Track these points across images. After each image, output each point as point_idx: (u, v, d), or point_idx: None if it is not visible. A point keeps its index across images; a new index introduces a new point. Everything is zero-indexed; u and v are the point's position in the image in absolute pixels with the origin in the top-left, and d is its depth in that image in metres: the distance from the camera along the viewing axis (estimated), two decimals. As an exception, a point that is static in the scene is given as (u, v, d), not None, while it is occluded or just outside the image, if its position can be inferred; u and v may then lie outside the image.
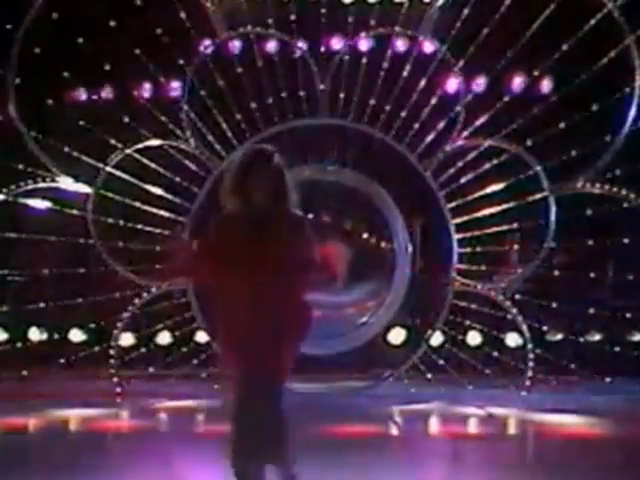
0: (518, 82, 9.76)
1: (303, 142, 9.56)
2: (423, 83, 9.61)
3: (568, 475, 6.19)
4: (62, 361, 9.63)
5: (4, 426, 7.79)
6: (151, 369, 9.68)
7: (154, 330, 9.89)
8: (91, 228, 9.56)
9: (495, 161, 9.54)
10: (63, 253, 10.23)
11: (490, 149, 9.59)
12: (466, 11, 9.42)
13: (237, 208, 4.26)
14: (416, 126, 9.60)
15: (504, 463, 6.65)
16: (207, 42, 9.76)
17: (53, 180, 9.68)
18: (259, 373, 4.20)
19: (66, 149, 9.64)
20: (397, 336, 9.87)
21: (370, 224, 10.92)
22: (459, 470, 6.45)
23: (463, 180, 9.53)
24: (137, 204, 9.64)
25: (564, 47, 9.28)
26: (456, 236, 9.51)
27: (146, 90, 9.92)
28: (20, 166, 9.60)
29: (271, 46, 9.83)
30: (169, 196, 9.67)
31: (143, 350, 9.83)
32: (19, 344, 10.08)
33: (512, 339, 9.72)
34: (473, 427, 8.34)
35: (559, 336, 9.99)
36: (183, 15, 9.53)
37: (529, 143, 9.48)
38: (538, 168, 9.36)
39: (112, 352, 9.35)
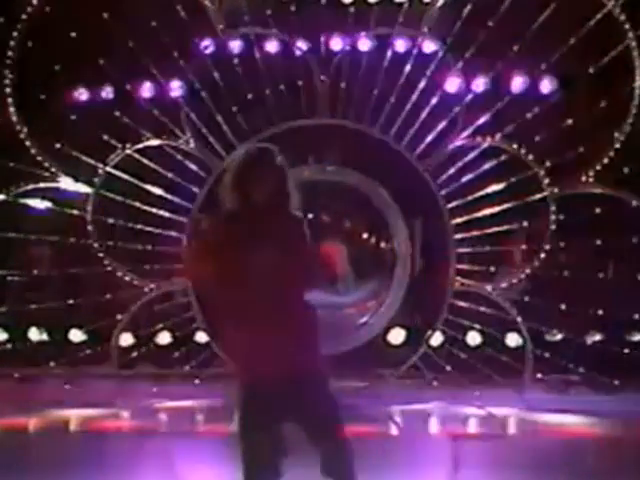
0: (518, 82, 9.75)
1: (303, 142, 9.55)
2: (423, 83, 9.62)
3: (568, 475, 6.19)
4: (62, 361, 9.62)
5: (4, 426, 7.79)
6: (151, 369, 9.68)
7: (154, 330, 9.88)
8: (91, 228, 9.57)
9: (495, 161, 9.55)
10: (63, 253, 10.23)
11: (490, 149, 9.60)
12: (466, 11, 9.42)
13: (236, 207, 4.23)
14: (416, 126, 9.60)
15: (504, 463, 6.65)
16: (207, 42, 9.75)
17: (53, 180, 9.68)
18: (273, 376, 4.13)
19: (66, 149, 9.64)
20: (397, 336, 9.87)
21: (370, 224, 10.91)
22: (459, 470, 6.44)
23: (463, 181, 9.54)
24: (137, 204, 9.64)
25: (564, 47, 9.28)
26: (456, 236, 9.52)
27: (146, 90, 9.91)
28: (20, 166, 9.60)
29: (271, 46, 9.82)
30: (169, 196, 9.67)
31: (143, 350, 9.83)
32: (19, 344, 10.08)
33: (512, 339, 9.72)
34: (473, 427, 8.34)
35: (559, 336, 9.99)
36: (183, 15, 9.53)
37: (529, 143, 9.49)
38: (538, 169, 9.38)
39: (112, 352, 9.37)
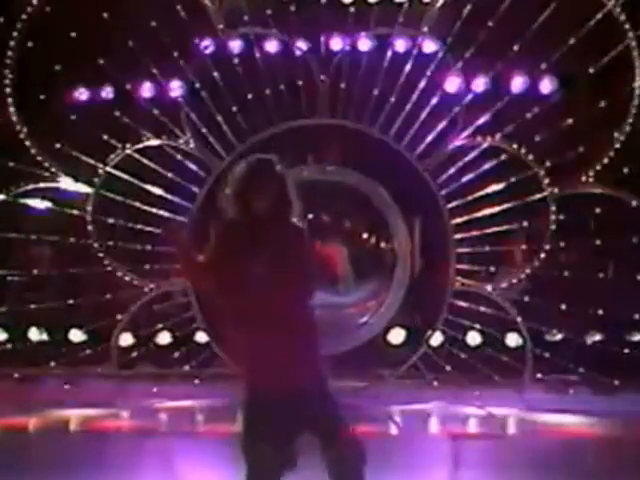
0: (518, 82, 9.75)
1: (303, 142, 9.55)
2: (423, 83, 9.62)
3: (568, 475, 6.19)
4: (62, 361, 9.62)
5: (4, 426, 7.79)
6: (151, 369, 9.67)
7: (154, 330, 9.88)
8: (91, 228, 9.57)
9: (495, 161, 9.55)
10: (63, 253, 10.23)
11: (490, 149, 9.60)
12: (466, 11, 9.42)
13: (238, 216, 4.25)
14: (416, 126, 9.60)
15: (504, 463, 6.65)
16: (207, 42, 9.75)
17: (53, 180, 9.68)
18: (278, 386, 4.14)
19: (66, 149, 9.65)
20: (397, 336, 9.86)
21: (370, 224, 10.91)
22: (459, 470, 6.44)
23: (463, 181, 9.54)
24: (137, 204, 9.64)
25: (564, 47, 9.28)
26: (456, 236, 9.52)
27: (146, 90, 9.91)
28: (20, 166, 9.60)
29: (271, 46, 9.82)
30: (169, 196, 9.67)
31: (143, 350, 9.83)
32: (19, 344, 10.08)
33: (512, 339, 9.72)
34: (473, 427, 8.34)
35: (559, 336, 9.98)
36: (183, 15, 9.53)
37: (529, 143, 9.49)
38: (538, 169, 9.38)
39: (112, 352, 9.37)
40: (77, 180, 9.70)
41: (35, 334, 10.31)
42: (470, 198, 9.55)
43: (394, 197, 9.72)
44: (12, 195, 9.65)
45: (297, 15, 9.76)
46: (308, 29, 9.84)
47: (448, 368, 9.46)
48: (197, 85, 9.73)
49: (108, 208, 9.71)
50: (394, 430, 8.17)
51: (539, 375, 9.42)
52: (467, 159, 9.58)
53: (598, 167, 9.49)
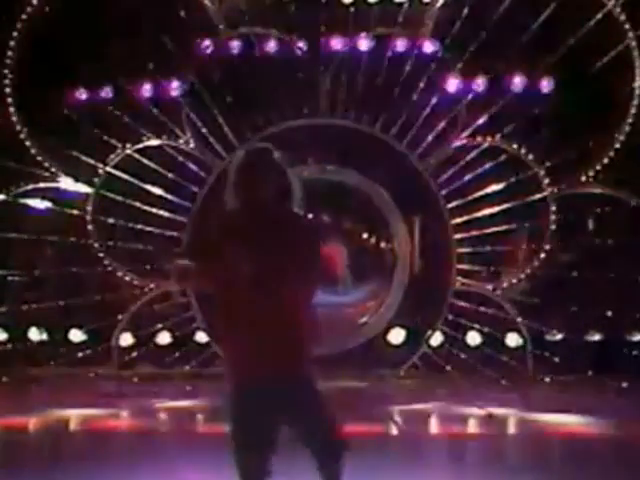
0: (518, 82, 9.75)
1: (303, 142, 9.56)
2: (423, 83, 9.63)
3: (568, 475, 6.19)
4: (62, 361, 9.63)
5: (4, 426, 7.79)
6: (151, 369, 9.68)
7: (154, 330, 9.89)
8: (91, 228, 9.58)
9: (495, 161, 9.56)
10: (63, 253, 10.23)
11: (490, 149, 9.60)
12: (466, 11, 9.43)
13: (239, 207, 4.26)
14: (416, 126, 9.61)
15: (504, 463, 6.65)
16: (207, 42, 9.76)
17: (53, 180, 9.68)
18: (268, 378, 4.14)
19: (66, 149, 9.65)
20: (397, 336, 9.87)
21: (370, 224, 10.91)
22: (459, 470, 6.44)
23: (463, 180, 9.54)
24: (137, 204, 9.65)
25: (564, 47, 9.28)
26: (456, 236, 9.53)
27: (146, 90, 9.92)
28: (20, 166, 9.60)
29: (271, 46, 9.83)
30: (169, 196, 9.68)
31: (143, 350, 9.83)
32: (19, 344, 10.08)
33: (512, 339, 9.72)
34: (473, 427, 8.34)
35: (559, 336, 9.99)
36: (183, 14, 9.54)
37: (529, 143, 9.50)
38: (538, 169, 9.39)
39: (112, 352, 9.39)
40: (77, 180, 9.70)
41: (35, 334, 10.31)
42: (470, 198, 9.55)
43: (394, 197, 9.73)
44: (12, 195, 9.65)
45: (297, 15, 9.77)
46: (308, 29, 9.84)
47: (448, 368, 9.47)
48: (197, 85, 9.73)
49: (108, 208, 9.71)
50: (394, 430, 8.16)
51: (539, 375, 9.41)
52: (467, 159, 9.59)
53: (598, 167, 9.49)
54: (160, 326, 9.87)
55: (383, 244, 10.83)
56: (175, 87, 9.84)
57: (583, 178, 9.55)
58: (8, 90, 9.64)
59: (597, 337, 10.03)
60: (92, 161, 9.73)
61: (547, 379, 9.47)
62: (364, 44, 9.75)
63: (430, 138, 9.65)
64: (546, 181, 9.47)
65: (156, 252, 9.66)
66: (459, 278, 9.60)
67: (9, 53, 9.61)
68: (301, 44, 9.79)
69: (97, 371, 9.65)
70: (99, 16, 9.30)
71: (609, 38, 9.32)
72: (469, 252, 9.71)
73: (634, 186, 9.38)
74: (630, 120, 9.45)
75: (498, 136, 9.62)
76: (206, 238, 4.37)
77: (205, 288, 4.46)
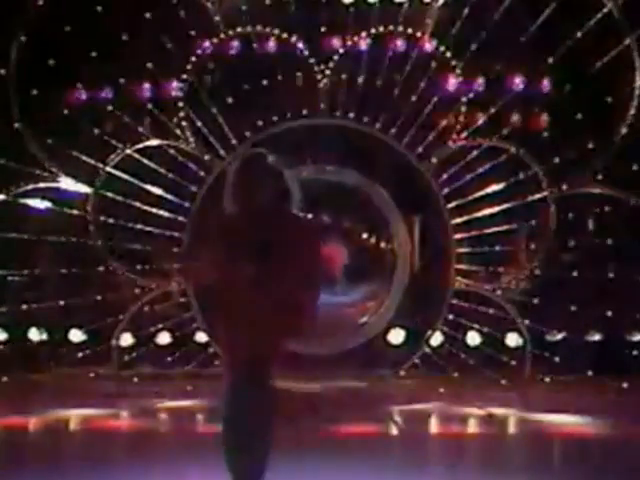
0: (518, 82, 9.75)
1: (302, 142, 9.56)
2: (423, 83, 9.63)
3: (568, 475, 6.19)
4: (62, 361, 9.62)
5: (4, 426, 7.79)
6: (151, 369, 9.68)
7: (154, 330, 9.88)
8: (91, 228, 9.58)
9: (495, 161, 9.56)
10: (63, 253, 10.23)
11: (490, 149, 9.60)
12: (466, 11, 9.43)
13: (238, 211, 4.28)
14: (416, 126, 9.61)
15: (504, 463, 6.65)
16: (207, 42, 9.76)
17: (53, 180, 9.68)
18: (244, 358, 4.21)
19: (66, 149, 9.65)
20: (397, 336, 9.87)
21: (370, 224, 10.91)
22: (459, 470, 6.44)
23: (463, 180, 9.54)
24: (137, 204, 9.65)
25: (564, 47, 9.28)
26: (456, 236, 9.53)
27: (146, 90, 9.92)
28: (20, 166, 9.60)
29: (271, 46, 9.82)
30: (169, 196, 9.68)
31: (143, 350, 9.82)
32: (19, 344, 10.08)
33: (512, 339, 9.72)
34: (473, 427, 8.34)
35: (559, 336, 9.99)
36: (183, 14, 9.53)
37: (529, 143, 9.50)
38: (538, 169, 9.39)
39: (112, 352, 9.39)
40: (77, 180, 9.70)
41: (35, 334, 10.31)
42: (470, 198, 9.55)
43: (394, 197, 9.73)
44: (12, 195, 9.65)
45: (297, 15, 9.77)
46: (308, 29, 9.84)
47: (448, 368, 9.47)
48: (197, 85, 9.73)
49: (108, 208, 9.71)
50: (394, 430, 8.16)
51: (539, 375, 9.41)
52: (467, 159, 9.59)
53: (598, 167, 9.49)
54: (160, 326, 9.88)
55: (383, 244, 10.83)
56: (175, 87, 9.83)
57: (583, 178, 9.54)
58: (8, 90, 9.63)
59: (597, 337, 10.04)
60: (92, 161, 9.72)
61: (547, 379, 9.47)
62: (364, 44, 9.75)
63: (430, 138, 9.65)
64: (546, 181, 9.47)
65: (156, 252, 9.67)
66: (459, 278, 9.59)
67: (9, 53, 9.60)
68: (301, 44, 9.78)
69: (97, 371, 9.64)
70: (99, 16, 9.30)
71: (609, 38, 9.31)
72: (469, 252, 9.71)
73: (634, 186, 9.37)
74: (630, 120, 9.44)
75: (498, 136, 9.62)
76: (207, 241, 4.39)
77: (206, 287, 4.49)
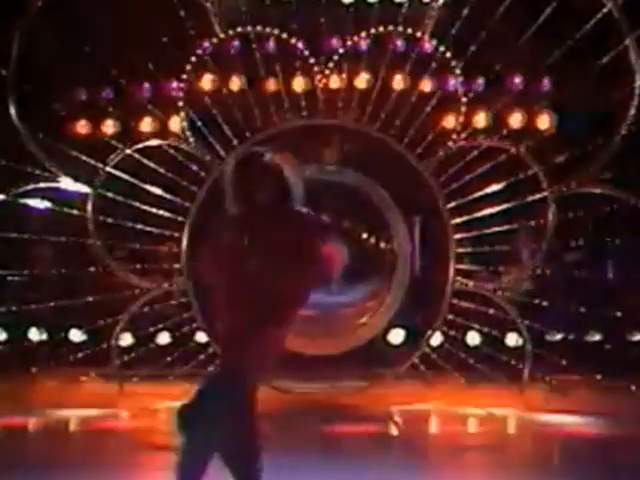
0: (518, 82, 9.75)
1: (303, 142, 9.55)
2: (423, 83, 9.63)
3: (568, 475, 6.19)
4: (62, 361, 9.62)
5: (4, 426, 7.79)
6: (151, 369, 9.67)
7: (154, 330, 9.88)
8: (91, 228, 9.58)
9: (495, 161, 9.55)
10: (63, 253, 10.23)
11: (490, 149, 9.60)
12: (466, 11, 9.43)
13: (240, 212, 4.29)
14: (416, 126, 9.61)
15: (504, 463, 6.65)
16: (206, 42, 9.76)
17: (53, 180, 9.68)
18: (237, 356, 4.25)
19: (66, 149, 9.65)
20: (397, 336, 9.87)
21: (370, 224, 10.92)
22: (458, 470, 6.45)
23: (463, 180, 9.54)
24: (137, 204, 9.65)
25: (564, 47, 9.28)
26: (456, 236, 9.53)
27: (146, 90, 9.92)
28: (20, 166, 9.60)
29: (271, 46, 9.82)
30: (169, 196, 9.68)
31: (143, 350, 9.82)
32: (19, 344, 10.08)
33: (512, 339, 9.72)
34: (473, 427, 8.34)
35: (559, 336, 9.99)
36: (183, 14, 9.53)
37: (529, 143, 9.51)
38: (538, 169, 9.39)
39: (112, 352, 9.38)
40: (77, 180, 9.70)
41: (35, 334, 10.31)
42: (470, 198, 9.55)
43: (394, 197, 9.72)
44: (12, 195, 9.65)
45: (297, 15, 9.76)
46: (308, 29, 9.84)
47: (448, 368, 9.47)
48: (197, 85, 9.73)
49: (108, 208, 9.71)
50: (394, 430, 8.17)
51: (539, 375, 9.41)
52: (467, 159, 9.59)
53: (598, 167, 9.48)
54: (160, 326, 9.87)
55: (383, 244, 10.84)
56: (175, 87, 9.83)
57: (583, 178, 9.54)
58: (8, 90, 9.63)
59: (597, 337, 10.04)
60: (92, 161, 9.72)
61: (547, 379, 9.47)
62: (364, 44, 9.75)
63: (430, 138, 9.65)
64: (546, 181, 9.46)
65: (156, 252, 9.67)
66: (459, 278, 9.59)
67: (9, 53, 9.59)
68: (301, 44, 9.78)
69: (97, 371, 9.64)
70: (99, 16, 9.30)
71: (609, 38, 9.31)
72: (469, 252, 9.71)
73: (634, 186, 9.37)
74: (630, 120, 9.43)
75: (498, 136, 9.63)
76: (210, 242, 4.41)
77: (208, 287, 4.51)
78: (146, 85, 9.91)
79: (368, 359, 9.76)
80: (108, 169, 9.66)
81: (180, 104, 9.73)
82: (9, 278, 10.40)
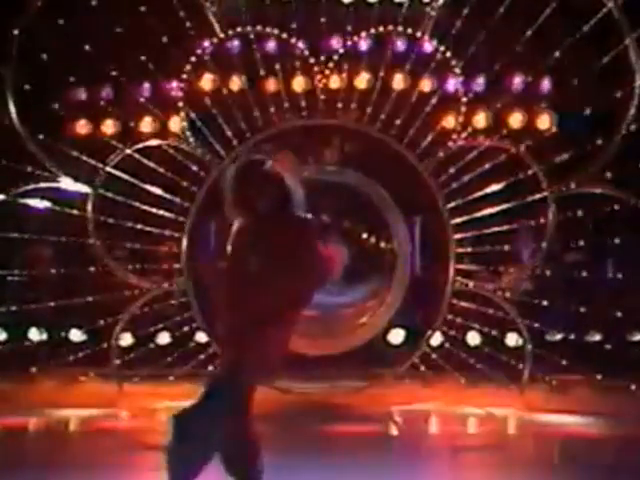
0: (518, 82, 9.75)
1: (303, 142, 9.56)
2: (423, 83, 9.63)
3: (568, 475, 6.19)
4: (62, 361, 9.62)
5: (4, 426, 7.79)
6: (151, 369, 9.67)
7: (154, 330, 9.88)
8: (91, 228, 9.58)
9: (495, 161, 9.55)
10: (63, 253, 10.23)
11: (490, 149, 9.60)
12: (466, 11, 9.43)
13: (243, 222, 4.30)
14: (416, 126, 9.61)
15: (504, 463, 6.65)
16: (206, 42, 9.76)
17: (53, 180, 9.68)
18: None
19: (66, 149, 9.65)
20: (397, 336, 9.87)
21: (370, 224, 10.91)
22: (459, 470, 6.45)
23: (463, 181, 9.54)
24: (137, 204, 9.65)
25: (564, 47, 9.28)
26: (456, 236, 9.53)
27: (146, 90, 9.92)
28: (20, 166, 9.60)
29: (271, 46, 9.82)
30: (169, 196, 9.68)
31: (143, 350, 9.82)
32: (19, 344, 10.08)
33: (512, 339, 9.72)
34: (473, 427, 8.34)
35: (559, 336, 9.99)
36: (182, 14, 9.53)
37: (529, 143, 9.51)
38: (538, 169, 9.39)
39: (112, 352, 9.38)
40: (77, 180, 9.70)
41: (35, 334, 10.31)
42: (470, 198, 9.55)
43: (394, 197, 9.72)
44: (12, 195, 9.65)
45: (297, 15, 9.76)
46: (308, 29, 9.84)
47: (448, 368, 9.47)
48: (197, 86, 9.74)
49: (108, 208, 9.71)
50: (394, 430, 8.17)
51: (539, 375, 9.41)
52: (467, 159, 9.58)
53: (598, 167, 9.48)
54: (160, 326, 9.87)
55: (383, 244, 10.83)
56: (175, 87, 9.83)
57: (583, 178, 9.54)
58: (8, 90, 9.63)
59: (597, 337, 10.03)
60: (92, 161, 9.72)
61: (547, 379, 9.47)
62: (364, 44, 9.75)
63: (430, 138, 9.65)
64: (546, 181, 9.46)
65: (156, 252, 9.67)
66: (459, 278, 9.59)
67: (9, 53, 9.59)
68: (301, 44, 9.78)
69: (97, 371, 9.64)
70: (99, 16, 9.30)
71: (609, 38, 9.31)
72: (469, 252, 9.71)
73: (634, 186, 9.37)
74: (630, 120, 9.43)
75: (498, 136, 9.63)
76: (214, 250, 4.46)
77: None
78: (146, 85, 9.92)
79: (368, 359, 9.76)
80: (108, 169, 9.66)
81: (180, 104, 9.74)
82: (9, 278, 10.39)
